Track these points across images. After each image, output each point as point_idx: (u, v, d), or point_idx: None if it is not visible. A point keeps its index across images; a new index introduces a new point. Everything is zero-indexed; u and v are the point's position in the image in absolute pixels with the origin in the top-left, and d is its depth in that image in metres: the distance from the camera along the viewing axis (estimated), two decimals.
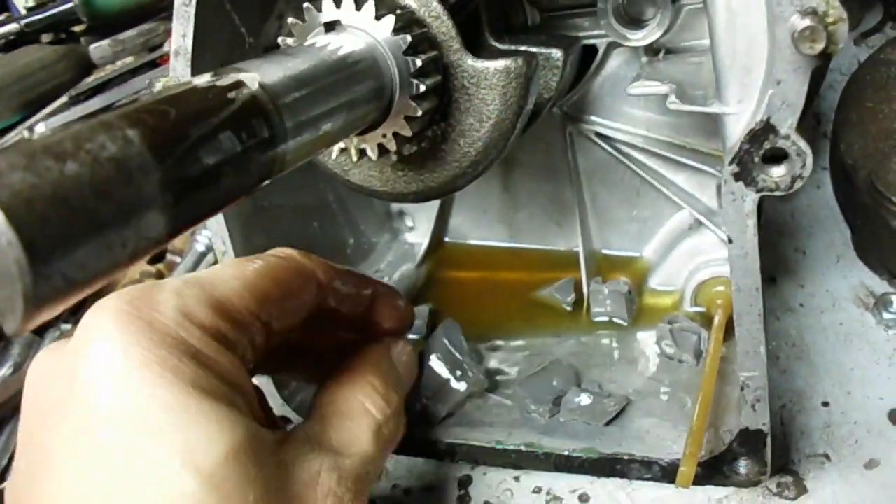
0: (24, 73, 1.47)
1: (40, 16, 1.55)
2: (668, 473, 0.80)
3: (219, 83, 0.56)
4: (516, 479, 0.91)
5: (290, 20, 0.75)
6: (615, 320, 1.00)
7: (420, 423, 0.90)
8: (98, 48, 1.51)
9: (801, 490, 0.84)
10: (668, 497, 0.85)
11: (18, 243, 0.40)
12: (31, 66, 1.49)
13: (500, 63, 0.74)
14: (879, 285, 1.01)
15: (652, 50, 0.92)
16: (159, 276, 1.30)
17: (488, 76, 0.75)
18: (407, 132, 0.73)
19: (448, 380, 0.90)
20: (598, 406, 0.86)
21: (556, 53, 0.84)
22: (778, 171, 0.66)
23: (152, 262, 1.33)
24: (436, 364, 0.90)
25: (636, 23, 0.91)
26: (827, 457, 0.86)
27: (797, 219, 1.11)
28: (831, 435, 0.88)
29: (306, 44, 0.70)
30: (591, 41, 0.95)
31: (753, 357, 0.72)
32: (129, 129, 0.48)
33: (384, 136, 0.74)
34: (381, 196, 0.84)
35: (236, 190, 0.56)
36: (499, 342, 1.02)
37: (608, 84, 0.97)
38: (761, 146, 0.66)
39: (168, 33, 1.57)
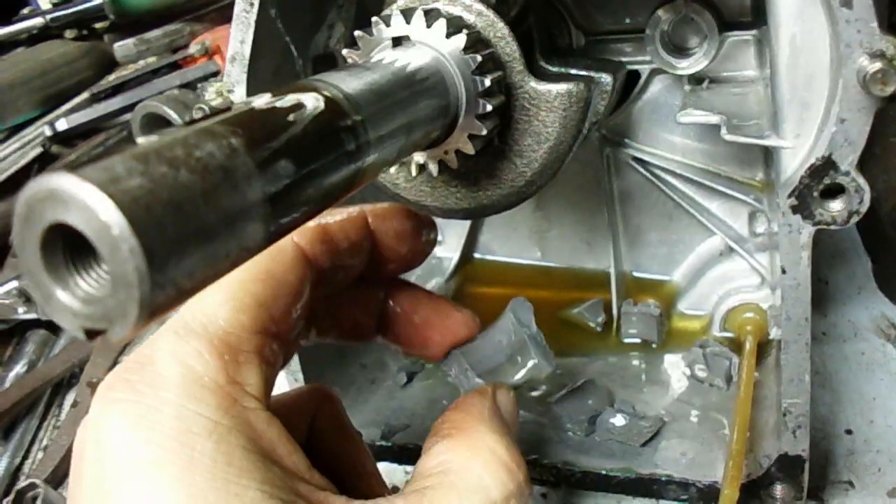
0: (47, 67, 1.47)
1: (66, 11, 1.55)
2: (704, 495, 0.81)
3: (309, 96, 0.57)
4: (543, 495, 0.92)
5: (357, 33, 0.76)
6: (645, 342, 1.01)
7: None
8: (122, 46, 1.51)
9: None
10: None
11: (140, 250, 0.40)
12: (54, 62, 1.49)
13: (563, 86, 0.75)
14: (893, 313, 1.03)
15: (695, 79, 0.94)
16: None
17: (549, 98, 0.76)
18: (469, 150, 0.74)
19: (504, 363, 0.79)
20: (634, 427, 0.87)
21: (606, 78, 0.85)
22: (836, 206, 0.68)
23: None
24: (497, 343, 0.79)
25: (680, 51, 0.93)
26: (851, 484, 0.88)
27: (819, 249, 1.13)
28: (855, 462, 0.90)
29: (376, 58, 0.71)
30: (635, 66, 0.97)
31: (798, 384, 0.74)
32: (232, 138, 0.49)
33: (446, 152, 0.75)
34: (431, 211, 0.85)
35: (324, 200, 0.57)
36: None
37: (648, 109, 0.99)
38: (821, 181, 0.67)
39: (192, 35, 1.58)
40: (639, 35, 0.95)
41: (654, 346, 1.01)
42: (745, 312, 0.98)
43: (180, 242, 0.42)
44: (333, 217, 0.69)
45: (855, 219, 0.68)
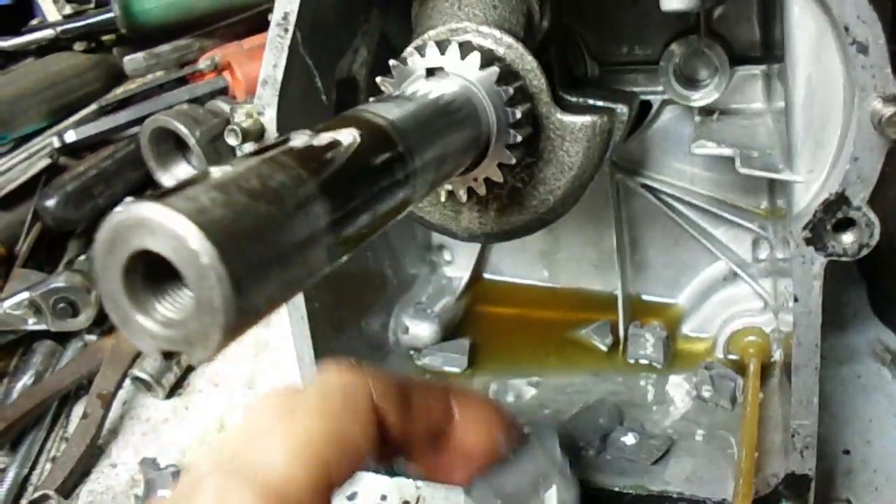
0: (56, 79, 1.48)
1: (77, 24, 1.56)
2: None
3: (361, 128, 0.60)
4: None
5: (391, 63, 0.79)
6: (651, 363, 1.04)
7: None
8: (132, 60, 1.53)
9: None
10: None
11: (227, 277, 0.43)
12: (64, 74, 1.50)
13: (587, 118, 0.79)
14: (894, 340, 1.07)
15: (706, 110, 0.97)
16: None
17: (574, 130, 0.79)
18: (498, 178, 0.77)
19: (528, 491, 0.74)
20: (644, 445, 0.90)
21: (623, 109, 0.88)
22: (847, 239, 0.72)
23: None
24: (522, 472, 0.74)
25: (691, 83, 0.97)
26: (849, 502, 0.92)
27: None
28: (853, 481, 0.94)
29: (412, 89, 0.73)
30: (647, 97, 1.00)
31: (807, 407, 0.77)
32: (301, 170, 0.51)
33: (475, 179, 0.78)
34: (454, 235, 0.88)
35: (378, 226, 0.59)
36: (537, 378, 1.06)
37: (658, 138, 1.03)
38: (834, 215, 0.71)
39: (202, 51, 1.60)
40: (651, 66, 0.98)
41: (659, 367, 1.04)
42: (748, 336, 1.01)
43: (261, 269, 0.45)
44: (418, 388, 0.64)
45: (865, 251, 0.72)
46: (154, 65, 1.53)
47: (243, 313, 0.44)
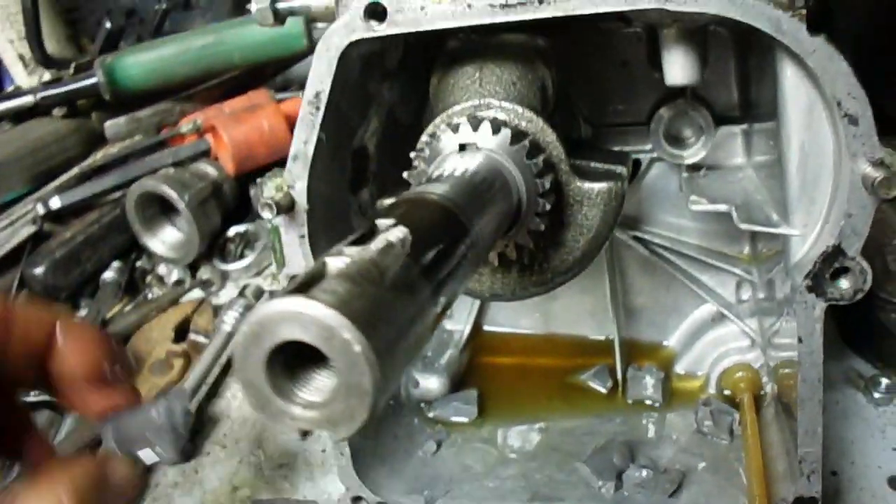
0: (38, 145, 1.49)
1: (58, 90, 1.57)
2: None
3: (429, 208, 0.66)
4: None
5: (424, 139, 0.85)
6: (650, 403, 1.12)
7: (488, 498, 0.99)
8: (114, 124, 1.54)
9: None
10: None
11: (377, 364, 0.47)
12: (45, 140, 1.51)
13: (604, 185, 0.86)
14: (865, 368, 1.17)
15: (692, 166, 1.06)
16: (185, 355, 1.33)
17: (592, 195, 0.86)
18: (527, 243, 0.83)
19: (141, 442, 0.84)
20: (658, 480, 0.97)
21: (622, 170, 0.96)
22: (844, 285, 0.80)
23: (177, 340, 1.36)
24: (143, 422, 0.84)
25: (677, 142, 1.05)
26: None
27: None
28: (842, 500, 1.02)
29: (449, 166, 0.79)
30: (637, 155, 1.09)
31: (812, 436, 0.85)
32: (406, 257, 0.56)
33: (506, 245, 0.84)
34: (477, 296, 0.94)
35: (458, 289, 0.65)
36: (543, 423, 1.12)
37: (647, 193, 1.11)
38: (832, 265, 0.79)
39: (182, 114, 1.63)
40: (640, 126, 1.07)
41: (658, 405, 1.11)
42: (738, 372, 1.10)
43: (395, 350, 0.50)
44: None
45: (860, 295, 0.80)
46: (135, 129, 1.55)
47: (384, 392, 0.49)
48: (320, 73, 0.84)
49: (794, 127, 0.82)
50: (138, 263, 1.52)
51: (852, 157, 0.76)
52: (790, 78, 0.80)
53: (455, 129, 0.83)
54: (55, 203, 1.43)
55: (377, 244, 0.56)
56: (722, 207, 0.95)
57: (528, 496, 0.99)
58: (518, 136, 0.82)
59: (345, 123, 0.94)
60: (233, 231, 1.54)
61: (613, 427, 1.10)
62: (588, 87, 1.07)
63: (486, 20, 0.78)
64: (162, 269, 1.52)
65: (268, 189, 0.90)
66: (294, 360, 0.50)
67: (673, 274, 1.13)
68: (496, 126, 0.82)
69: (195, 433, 1.26)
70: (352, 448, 0.99)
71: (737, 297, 1.13)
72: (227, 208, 1.53)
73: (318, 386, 0.50)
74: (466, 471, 1.06)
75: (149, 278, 1.50)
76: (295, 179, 0.89)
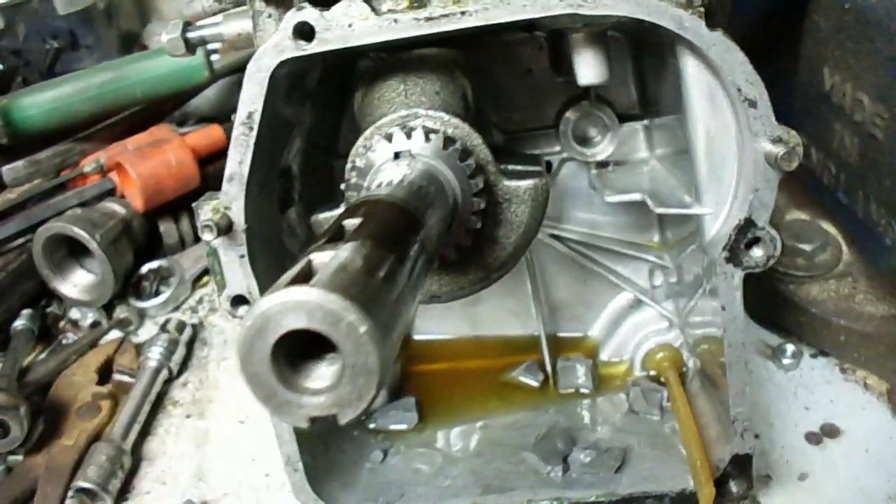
0: None
1: None
2: (675, 502, 0.97)
3: (388, 207, 0.69)
4: None
5: (360, 147, 0.88)
6: (581, 390, 1.17)
7: (443, 496, 1.02)
8: (12, 169, 1.49)
9: None
10: None
11: (381, 342, 0.50)
12: None
13: (530, 182, 0.91)
14: (771, 338, 1.27)
15: (600, 163, 1.13)
16: (111, 396, 1.30)
17: (520, 193, 0.91)
18: (466, 242, 0.88)
19: None
20: (602, 459, 1.02)
21: (542, 169, 1.02)
22: (757, 253, 0.88)
23: (101, 381, 1.32)
24: None
25: (584, 141, 1.13)
26: (769, 476, 1.08)
27: None
28: (767, 459, 1.10)
29: (387, 174, 0.82)
30: (548, 157, 1.15)
31: (741, 396, 0.92)
32: (380, 248, 0.60)
33: (445, 246, 0.88)
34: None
35: (425, 280, 0.69)
36: (483, 422, 1.16)
37: (559, 192, 1.17)
38: (745, 236, 0.87)
39: (83, 154, 1.59)
40: (547, 130, 1.14)
41: (588, 392, 1.17)
42: (660, 352, 1.17)
43: (391, 331, 0.53)
44: None
45: (772, 262, 0.88)
46: (34, 172, 1.50)
47: (387, 371, 0.51)
48: (252, 94, 0.86)
49: (699, 115, 0.90)
50: (48, 309, 1.47)
51: (754, 136, 0.84)
52: (692, 70, 0.88)
53: (389, 138, 0.86)
54: None
55: (352, 240, 0.59)
56: (636, 196, 1.02)
57: (480, 490, 1.03)
58: (448, 141, 0.87)
59: (273, 144, 0.96)
60: (146, 268, 1.51)
61: (550, 417, 1.15)
62: (496, 95, 1.13)
63: (412, 33, 0.82)
64: (75, 314, 1.48)
65: (204, 212, 0.89)
66: (292, 355, 0.53)
67: (590, 267, 1.20)
68: (427, 133, 0.86)
69: (131, 474, 1.23)
70: (304, 465, 1.00)
71: (650, 283, 1.20)
72: (138, 246, 1.50)
73: (321, 374, 0.53)
74: (416, 474, 1.08)
75: (62, 323, 1.45)
76: (231, 200, 0.90)
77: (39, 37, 1.80)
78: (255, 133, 0.88)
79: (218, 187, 0.90)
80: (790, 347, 1.22)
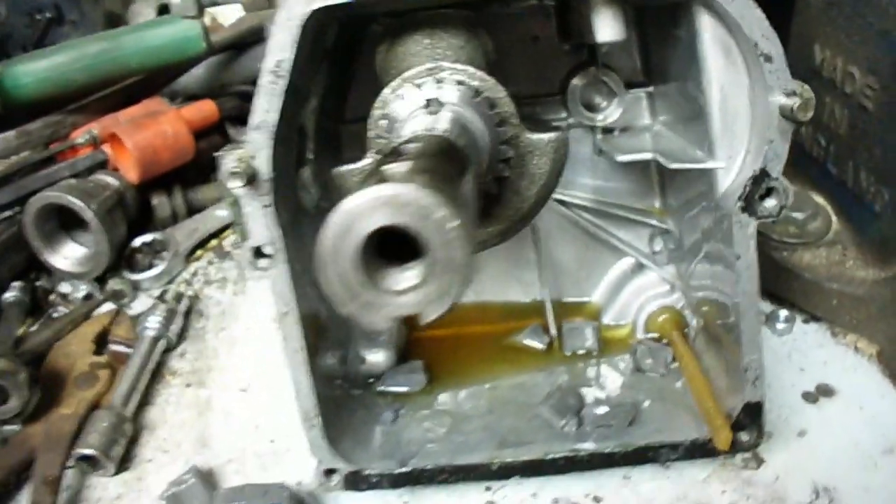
0: None
1: None
2: (689, 450, 1.00)
3: (438, 139, 0.70)
4: (534, 495, 1.06)
5: (389, 94, 0.89)
6: (588, 352, 1.20)
7: (459, 451, 1.03)
8: (2, 139, 1.46)
9: (760, 461, 1.07)
10: (664, 485, 1.05)
11: (468, 238, 0.51)
12: None
13: (552, 134, 0.93)
14: (765, 305, 1.31)
15: (606, 129, 1.16)
16: (108, 366, 1.28)
17: (542, 145, 0.94)
18: (495, 190, 0.89)
19: None
20: (615, 413, 1.05)
21: (563, 124, 1.05)
22: (770, 203, 0.91)
23: (97, 352, 1.30)
24: None
25: (591, 108, 1.15)
26: (770, 433, 1.11)
27: None
28: (768, 417, 1.12)
29: (418, 122, 0.84)
30: (555, 123, 1.18)
31: (754, 343, 0.95)
32: (451, 161, 0.61)
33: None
34: None
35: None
36: (491, 384, 1.17)
37: None
38: (759, 186, 0.90)
39: (73, 126, 1.57)
40: (552, 97, 1.16)
41: (595, 353, 1.20)
42: (662, 315, 1.20)
43: (469, 229, 0.54)
44: None
45: (784, 211, 0.92)
46: (24, 143, 1.47)
47: (470, 267, 0.53)
48: (281, 42, 0.87)
49: (714, 72, 0.93)
50: (38, 283, 1.45)
51: (769, 90, 0.88)
52: (708, 29, 0.91)
53: (419, 87, 0.88)
54: None
55: (415, 153, 0.60)
56: (647, 156, 1.05)
57: (495, 444, 1.04)
58: (477, 92, 0.88)
59: (296, 98, 0.97)
60: (139, 241, 1.49)
61: (558, 377, 1.17)
62: (503, 63, 1.15)
63: None
64: (65, 287, 1.45)
65: (229, 160, 0.90)
66: (372, 259, 0.54)
67: (593, 232, 1.22)
68: (457, 82, 0.88)
69: (132, 442, 1.21)
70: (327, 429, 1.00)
71: (651, 248, 1.23)
72: (130, 218, 1.48)
73: (402, 277, 0.54)
74: (429, 432, 1.09)
75: (52, 297, 1.43)
76: (257, 149, 0.90)
77: (23, 11, 1.77)
78: (283, 82, 0.89)
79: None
80: (783, 313, 1.27)
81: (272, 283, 0.96)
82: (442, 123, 0.82)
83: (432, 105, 0.87)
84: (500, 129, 0.88)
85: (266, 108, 0.90)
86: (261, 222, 0.93)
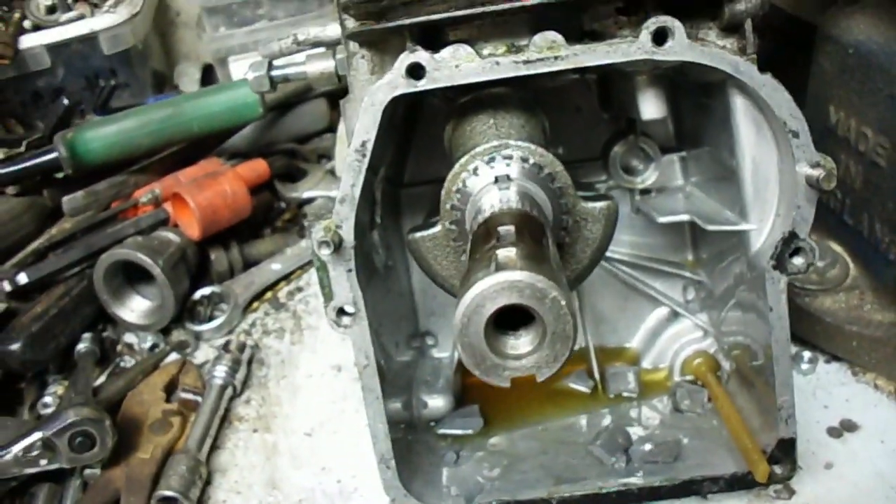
0: None
1: (16, 167, 1.58)
2: (729, 483, 1.10)
3: (523, 215, 0.81)
4: None
5: (463, 175, 1.00)
6: (629, 395, 1.30)
7: (519, 488, 1.13)
8: (72, 199, 1.57)
9: (791, 492, 1.17)
10: None
11: (574, 314, 0.62)
12: (2, 218, 1.52)
13: (604, 203, 1.04)
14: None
15: (642, 191, 1.27)
16: (180, 413, 1.37)
17: (595, 213, 1.04)
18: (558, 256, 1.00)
19: None
20: (661, 450, 1.15)
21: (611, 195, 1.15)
22: (799, 261, 1.02)
23: (167, 399, 1.40)
24: None
25: (629, 171, 1.27)
26: (799, 466, 1.21)
27: None
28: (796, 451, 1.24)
29: (494, 197, 0.95)
30: (596, 186, 1.29)
31: (787, 385, 1.06)
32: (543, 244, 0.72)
33: None
34: None
35: None
36: (542, 426, 1.27)
37: None
38: (789, 246, 1.01)
39: (136, 186, 1.67)
40: (593, 161, 1.28)
41: (635, 396, 1.30)
42: (696, 359, 1.30)
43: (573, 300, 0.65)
44: None
45: (812, 268, 1.03)
46: (92, 202, 1.58)
47: (576, 337, 0.63)
48: (366, 124, 0.98)
49: (746, 144, 1.04)
50: (105, 334, 1.55)
51: (797, 162, 0.99)
52: (741, 107, 1.03)
53: (490, 163, 0.99)
54: (22, 279, 1.44)
55: (519, 240, 0.71)
56: (685, 217, 1.16)
57: (552, 481, 1.14)
58: (540, 167, 0.99)
59: (373, 171, 1.08)
60: (199, 294, 1.59)
61: (602, 418, 1.27)
62: (550, 131, 1.27)
63: (510, 74, 0.95)
64: (130, 338, 1.55)
65: (318, 230, 1.00)
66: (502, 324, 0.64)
67: (631, 284, 1.33)
68: (523, 160, 0.99)
69: (206, 485, 1.30)
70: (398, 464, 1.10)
71: (684, 298, 1.34)
72: (191, 273, 1.59)
73: (517, 343, 0.64)
74: (490, 471, 1.19)
75: (119, 347, 1.53)
76: (343, 219, 1.01)
77: (80, 74, 1.89)
78: (367, 160, 1.00)
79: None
80: (807, 354, 1.37)
81: (353, 338, 1.06)
82: (514, 197, 0.93)
83: (501, 181, 0.98)
84: (561, 200, 0.99)
85: (352, 182, 1.00)
86: (344, 285, 1.03)
